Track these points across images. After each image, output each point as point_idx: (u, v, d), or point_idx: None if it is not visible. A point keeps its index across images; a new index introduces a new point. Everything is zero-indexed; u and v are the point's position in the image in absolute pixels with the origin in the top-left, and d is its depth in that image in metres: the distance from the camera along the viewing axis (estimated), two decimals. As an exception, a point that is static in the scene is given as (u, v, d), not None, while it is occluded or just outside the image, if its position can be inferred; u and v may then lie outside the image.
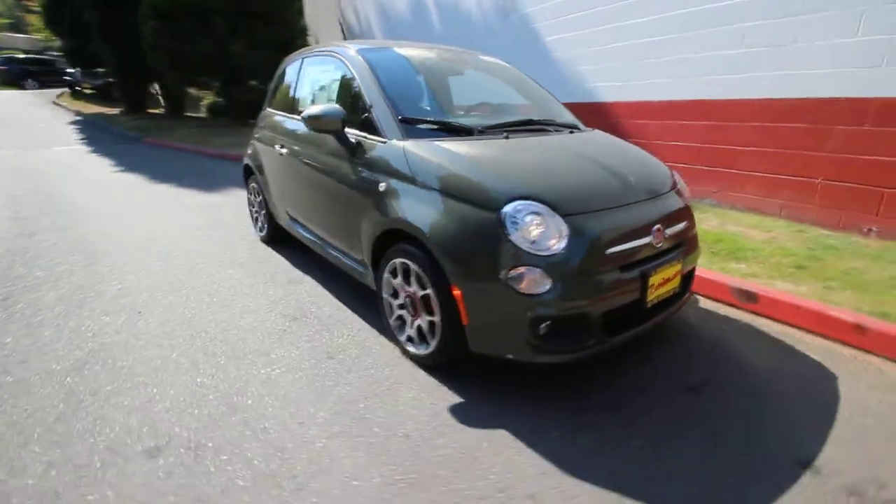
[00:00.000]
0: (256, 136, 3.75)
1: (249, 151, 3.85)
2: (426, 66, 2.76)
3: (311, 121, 2.40)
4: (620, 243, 1.86)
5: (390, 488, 1.52)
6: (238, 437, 1.74)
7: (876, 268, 2.93)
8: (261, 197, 3.78)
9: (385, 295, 2.30)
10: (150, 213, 4.82)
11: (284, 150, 3.12)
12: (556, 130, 2.56)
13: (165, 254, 3.63)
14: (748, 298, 2.67)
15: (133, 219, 4.57)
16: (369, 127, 2.34)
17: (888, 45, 3.34)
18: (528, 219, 1.78)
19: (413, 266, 2.04)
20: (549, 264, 1.74)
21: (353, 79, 2.54)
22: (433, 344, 2.06)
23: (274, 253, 3.69)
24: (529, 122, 2.53)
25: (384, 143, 2.24)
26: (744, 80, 4.17)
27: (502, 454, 1.66)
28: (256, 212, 3.97)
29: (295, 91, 3.22)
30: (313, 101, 2.98)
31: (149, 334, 2.45)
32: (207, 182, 6.30)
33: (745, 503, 1.47)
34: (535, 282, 1.74)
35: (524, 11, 6.60)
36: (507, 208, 1.80)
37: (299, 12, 11.73)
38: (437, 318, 1.99)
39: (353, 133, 2.40)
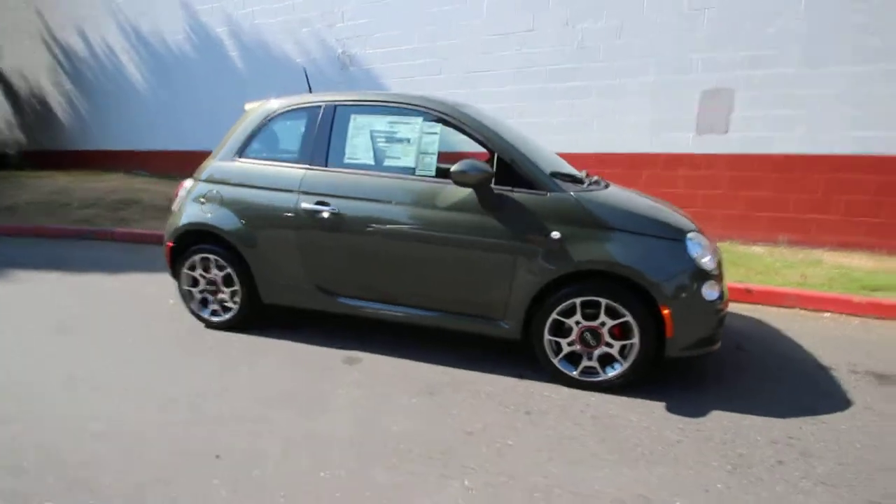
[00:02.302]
0: (222, 194, 2.92)
1: (206, 213, 2.94)
2: (497, 121, 2.86)
3: (458, 176, 2.30)
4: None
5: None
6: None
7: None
8: (225, 272, 2.95)
9: (548, 336, 2.40)
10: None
11: (330, 211, 2.64)
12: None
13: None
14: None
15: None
16: (511, 181, 2.42)
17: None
18: (701, 244, 2.35)
19: (605, 301, 2.28)
20: (715, 276, 2.35)
21: (471, 135, 2.55)
22: (626, 365, 2.33)
23: (265, 339, 2.97)
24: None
25: (544, 195, 2.38)
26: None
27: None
28: (207, 291, 3.05)
29: (339, 142, 2.72)
30: (386, 155, 2.65)
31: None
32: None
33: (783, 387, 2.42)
34: (712, 290, 2.32)
35: (367, 67, 6.94)
36: (690, 237, 2.33)
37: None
38: (634, 341, 2.30)
39: (497, 188, 2.41)
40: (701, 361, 2.70)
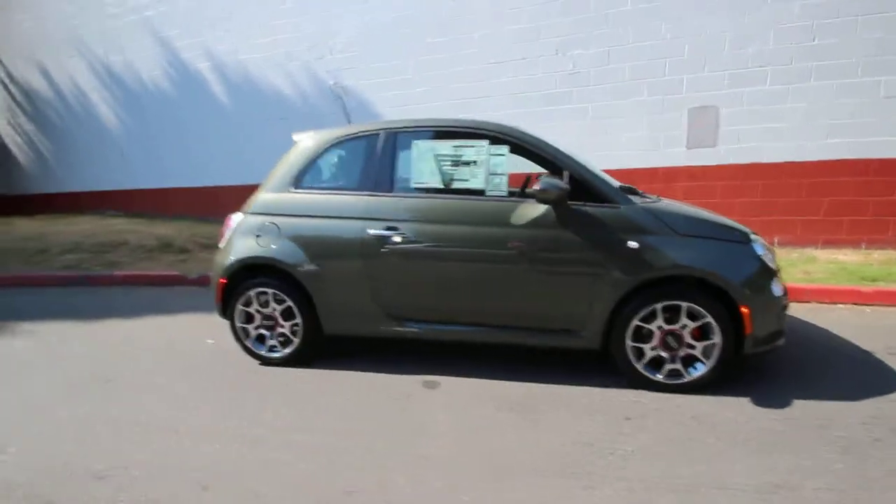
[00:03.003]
0: (279, 226, 2.86)
1: (263, 246, 2.87)
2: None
3: (540, 194, 2.39)
4: None
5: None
6: None
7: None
8: (284, 305, 2.88)
9: (630, 343, 2.49)
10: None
11: (401, 236, 2.65)
12: None
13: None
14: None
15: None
16: (582, 196, 2.52)
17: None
18: (763, 244, 2.54)
19: (685, 304, 2.40)
20: (777, 273, 2.54)
21: (538, 154, 2.67)
22: (710, 365, 2.44)
23: (332, 372, 2.89)
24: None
25: (617, 207, 2.50)
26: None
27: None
28: (264, 327, 2.95)
29: (404, 168, 2.74)
30: (453, 178, 2.69)
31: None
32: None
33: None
34: (777, 286, 2.49)
35: (360, 98, 7.03)
36: (753, 238, 2.51)
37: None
38: (716, 340, 2.42)
39: (572, 204, 2.51)
40: (758, 357, 2.86)
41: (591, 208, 2.52)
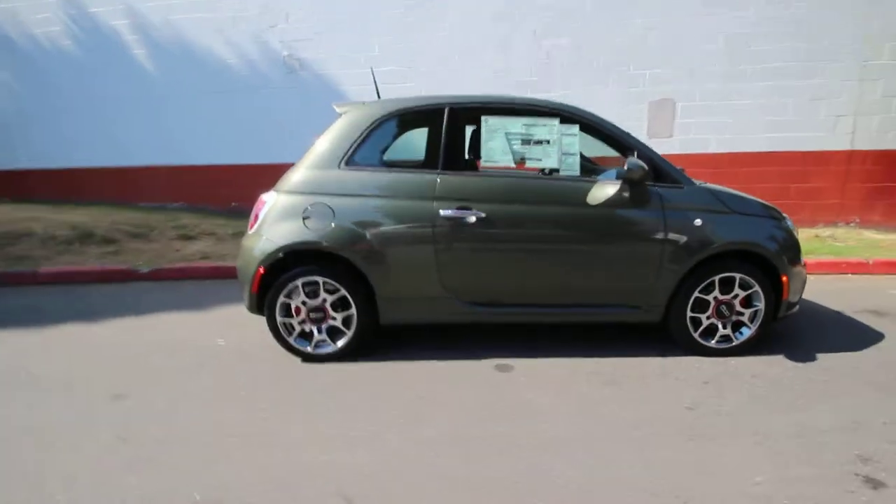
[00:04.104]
0: (332, 207, 2.59)
1: (312, 230, 2.57)
2: None
3: (628, 173, 2.47)
4: None
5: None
6: None
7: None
8: (337, 295, 2.65)
9: (693, 313, 2.71)
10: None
11: (476, 216, 2.55)
12: None
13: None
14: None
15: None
16: (652, 178, 2.64)
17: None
18: (791, 221, 2.88)
19: (739, 275, 2.67)
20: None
21: (609, 135, 2.74)
22: (754, 329, 2.74)
23: (391, 364, 2.75)
24: None
25: (681, 187, 2.67)
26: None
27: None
28: (311, 320, 2.67)
29: (473, 145, 2.60)
30: (525, 157, 2.62)
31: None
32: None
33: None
34: (802, 258, 2.87)
35: (319, 72, 6.54)
36: (786, 216, 2.84)
37: None
38: (760, 306, 2.72)
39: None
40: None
41: (661, 188, 2.66)
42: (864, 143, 5.63)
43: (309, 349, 2.73)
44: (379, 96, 3.29)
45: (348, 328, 2.72)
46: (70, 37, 6.91)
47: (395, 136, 2.81)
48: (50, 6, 6.88)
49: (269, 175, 7.74)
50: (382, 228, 2.62)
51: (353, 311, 2.68)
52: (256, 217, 2.75)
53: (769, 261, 2.69)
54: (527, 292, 2.74)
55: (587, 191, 2.62)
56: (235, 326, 3.28)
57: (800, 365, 2.68)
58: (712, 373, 2.59)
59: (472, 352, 2.84)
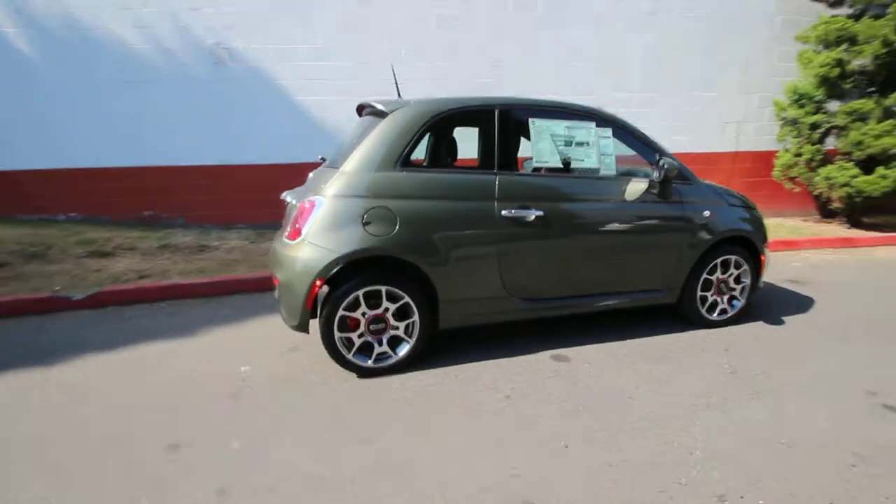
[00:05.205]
0: (395, 210, 2.46)
1: (376, 235, 2.42)
2: None
3: (667, 171, 2.78)
4: None
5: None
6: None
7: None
8: (401, 302, 2.55)
9: (702, 292, 3.15)
10: None
11: (535, 215, 2.64)
12: None
13: None
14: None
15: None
16: (667, 175, 3.00)
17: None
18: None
19: (734, 258, 3.17)
20: None
21: (638, 137, 3.01)
22: (743, 301, 3.28)
23: (456, 368, 2.76)
24: None
25: (692, 184, 3.06)
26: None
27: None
28: (371, 332, 2.53)
29: (521, 147, 2.63)
30: (570, 157, 2.74)
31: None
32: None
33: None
34: (765, 241, 3.50)
35: (255, 65, 5.96)
36: (755, 205, 3.42)
37: None
38: (747, 282, 3.26)
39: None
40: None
41: (679, 185, 3.03)
42: (746, 146, 6.93)
43: (369, 363, 2.57)
44: (399, 95, 3.18)
45: (410, 336, 2.61)
46: None
47: (441, 137, 2.76)
48: None
49: (194, 178, 6.86)
50: (447, 231, 2.57)
51: (416, 317, 2.58)
52: (298, 224, 2.49)
53: (754, 244, 3.25)
54: (577, 284, 2.92)
55: (624, 187, 2.88)
56: (245, 350, 2.93)
57: (780, 327, 3.27)
58: (724, 341, 3.04)
59: (523, 347, 2.94)
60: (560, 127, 2.84)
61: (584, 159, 2.88)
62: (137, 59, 5.77)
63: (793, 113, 6.18)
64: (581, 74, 6.45)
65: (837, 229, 6.21)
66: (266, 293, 4.06)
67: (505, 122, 2.74)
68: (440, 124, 2.69)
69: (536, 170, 2.83)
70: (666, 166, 2.81)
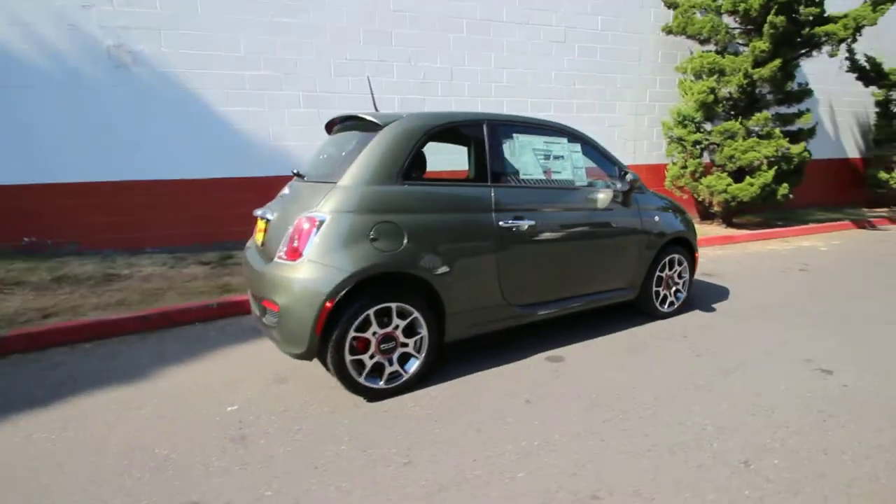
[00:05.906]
0: (401, 225, 2.40)
1: (384, 251, 2.33)
2: None
3: (633, 182, 3.11)
4: None
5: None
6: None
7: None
8: (410, 318, 2.50)
9: (656, 288, 3.55)
10: None
11: (528, 225, 2.76)
12: None
13: None
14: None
15: None
16: (624, 184, 3.35)
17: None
18: (686, 215, 4.04)
19: (677, 256, 3.63)
20: None
21: (602, 153, 3.30)
22: (685, 293, 3.75)
23: (465, 379, 2.77)
24: None
25: (644, 193, 3.45)
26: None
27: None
28: (381, 352, 2.44)
29: (512, 159, 2.71)
30: (549, 170, 2.90)
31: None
32: None
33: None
34: (692, 240, 4.07)
35: (164, 70, 5.34)
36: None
37: None
38: (687, 277, 3.74)
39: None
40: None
41: (636, 193, 3.38)
42: (641, 160, 7.93)
43: (381, 384, 2.44)
44: (376, 108, 3.11)
45: (420, 352, 2.54)
46: None
47: (438, 150, 2.76)
48: None
49: (88, 196, 5.92)
50: (451, 243, 2.58)
51: (424, 332, 2.53)
52: (297, 243, 2.30)
53: (690, 243, 3.75)
54: (564, 288, 3.10)
55: (596, 196, 3.14)
56: (222, 387, 2.63)
57: (715, 313, 3.79)
58: (678, 330, 3.45)
59: (517, 352, 3.03)
60: (539, 142, 3.03)
61: (561, 171, 3.10)
62: (11, 62, 4.82)
63: (678, 132, 7.24)
64: (497, 94, 6.86)
65: (717, 229, 7.39)
66: (211, 322, 3.65)
67: (494, 136, 2.84)
68: (435, 137, 2.69)
69: (522, 182, 2.97)
70: (630, 178, 3.17)
